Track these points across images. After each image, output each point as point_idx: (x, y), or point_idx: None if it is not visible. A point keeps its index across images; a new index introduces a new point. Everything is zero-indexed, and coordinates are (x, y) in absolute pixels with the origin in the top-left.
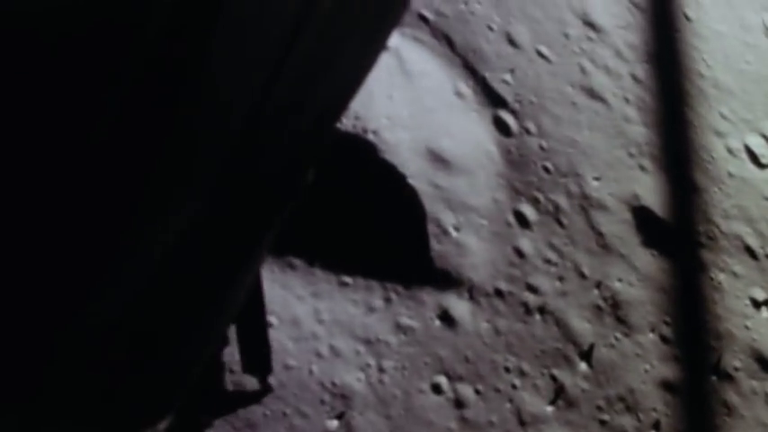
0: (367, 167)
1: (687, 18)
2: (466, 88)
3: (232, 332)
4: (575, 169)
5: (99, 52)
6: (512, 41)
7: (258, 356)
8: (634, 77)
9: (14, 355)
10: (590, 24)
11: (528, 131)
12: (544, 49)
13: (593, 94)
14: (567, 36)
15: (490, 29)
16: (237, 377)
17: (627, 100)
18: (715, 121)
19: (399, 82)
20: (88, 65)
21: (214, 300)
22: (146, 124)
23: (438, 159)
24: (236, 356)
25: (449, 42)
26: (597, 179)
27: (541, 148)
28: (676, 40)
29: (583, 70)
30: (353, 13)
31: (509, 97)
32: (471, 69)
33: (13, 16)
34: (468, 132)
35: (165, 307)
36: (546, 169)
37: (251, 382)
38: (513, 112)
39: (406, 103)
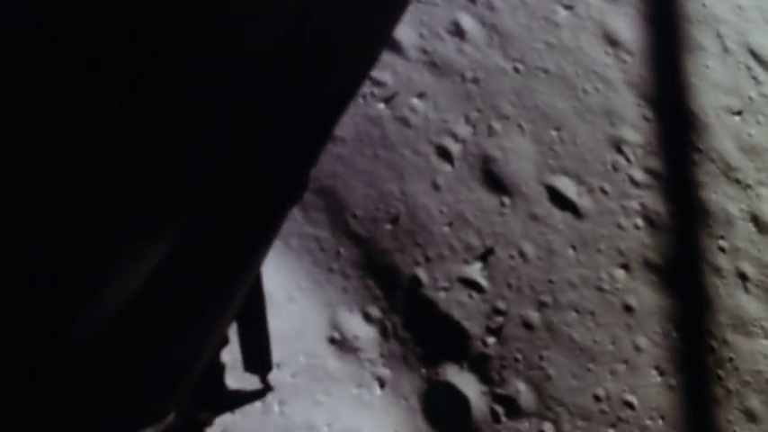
0: None
1: None
2: (366, 328)
3: (232, 331)
4: None
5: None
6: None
7: (259, 354)
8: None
9: (11, 352)
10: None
11: None
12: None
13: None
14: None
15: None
16: (238, 375)
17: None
18: None
19: None
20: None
21: (215, 299)
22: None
23: None
24: (237, 355)
25: (325, 198)
26: None
27: None
28: None
29: None
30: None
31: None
32: (386, 271)
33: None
34: None
35: (165, 307)
36: None
37: (252, 381)
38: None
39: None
